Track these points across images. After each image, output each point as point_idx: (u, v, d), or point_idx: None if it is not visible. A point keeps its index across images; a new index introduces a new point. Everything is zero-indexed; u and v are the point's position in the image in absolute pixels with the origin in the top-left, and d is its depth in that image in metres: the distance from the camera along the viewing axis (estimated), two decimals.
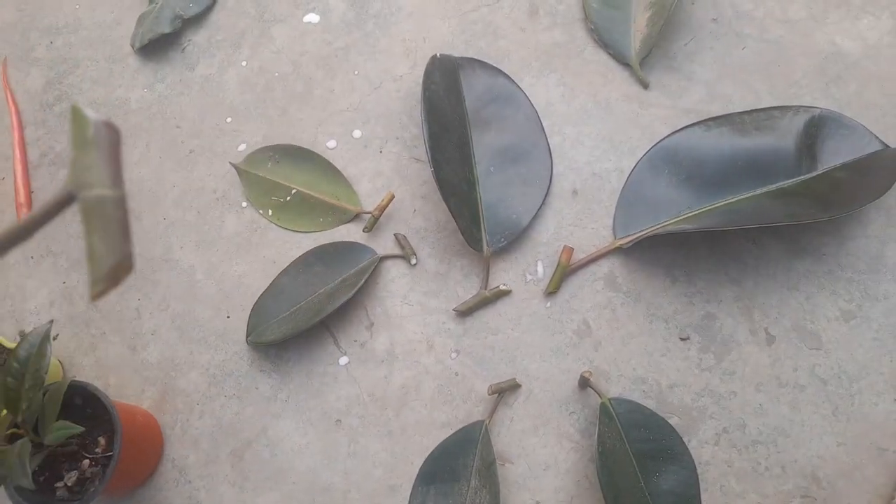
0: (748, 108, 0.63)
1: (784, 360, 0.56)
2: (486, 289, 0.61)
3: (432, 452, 0.56)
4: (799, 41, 0.65)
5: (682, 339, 0.58)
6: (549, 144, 0.64)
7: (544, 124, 0.65)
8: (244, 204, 0.69)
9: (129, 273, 0.13)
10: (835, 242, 0.59)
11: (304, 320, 0.60)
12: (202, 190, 0.70)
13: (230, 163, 0.69)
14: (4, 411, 0.52)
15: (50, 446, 0.53)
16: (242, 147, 0.71)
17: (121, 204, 0.15)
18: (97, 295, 0.14)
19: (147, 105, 0.75)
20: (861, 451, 0.53)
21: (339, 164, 0.68)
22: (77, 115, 0.15)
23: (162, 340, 0.65)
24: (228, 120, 0.73)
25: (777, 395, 0.55)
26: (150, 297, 0.66)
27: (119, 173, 0.15)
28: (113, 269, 0.13)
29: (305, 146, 0.69)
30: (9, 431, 0.53)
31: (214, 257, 0.67)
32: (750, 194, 0.60)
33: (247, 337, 0.62)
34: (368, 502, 0.57)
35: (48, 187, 0.72)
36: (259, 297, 0.63)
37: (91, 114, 0.15)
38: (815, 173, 0.59)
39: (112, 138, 0.15)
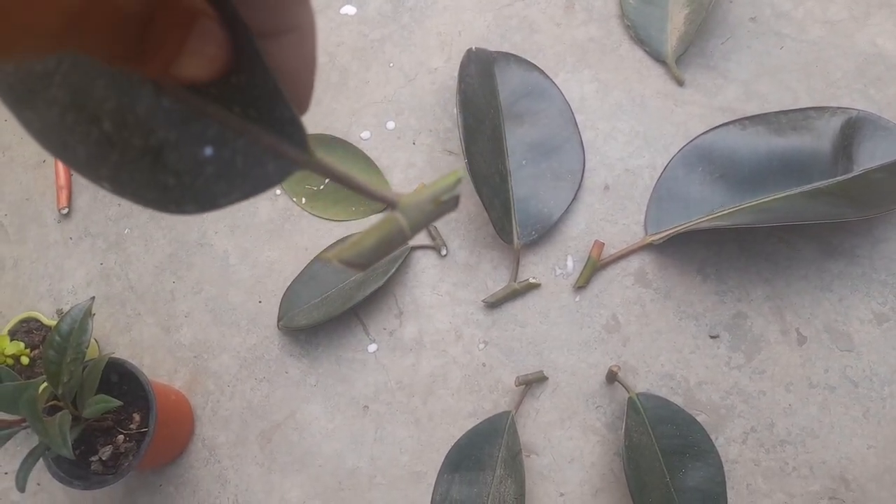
0: (785, 108, 0.63)
1: (815, 361, 0.55)
2: (515, 281, 0.61)
3: (458, 441, 0.57)
4: (839, 42, 0.65)
5: (712, 337, 0.58)
6: (581, 139, 0.64)
7: (578, 119, 0.65)
8: (278, 192, 0.70)
9: (360, 270, 0.16)
10: (868, 244, 0.58)
11: (334, 307, 0.61)
12: None
13: None
14: (45, 384, 0.53)
15: (87, 420, 0.55)
16: None
17: (404, 241, 0.18)
18: (335, 258, 0.17)
19: None
20: (892, 453, 0.52)
21: (372, 155, 0.69)
22: (452, 179, 0.19)
23: (195, 323, 0.66)
24: None
25: (807, 395, 0.55)
26: (185, 280, 0.68)
27: (422, 229, 0.19)
28: (349, 262, 0.17)
29: (339, 136, 0.70)
30: (49, 403, 0.54)
31: (248, 243, 0.68)
32: (784, 194, 0.59)
33: (278, 322, 0.63)
34: (393, 488, 0.58)
35: None
36: (291, 283, 0.64)
37: (456, 188, 0.19)
38: (851, 175, 0.59)
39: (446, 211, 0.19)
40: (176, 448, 0.62)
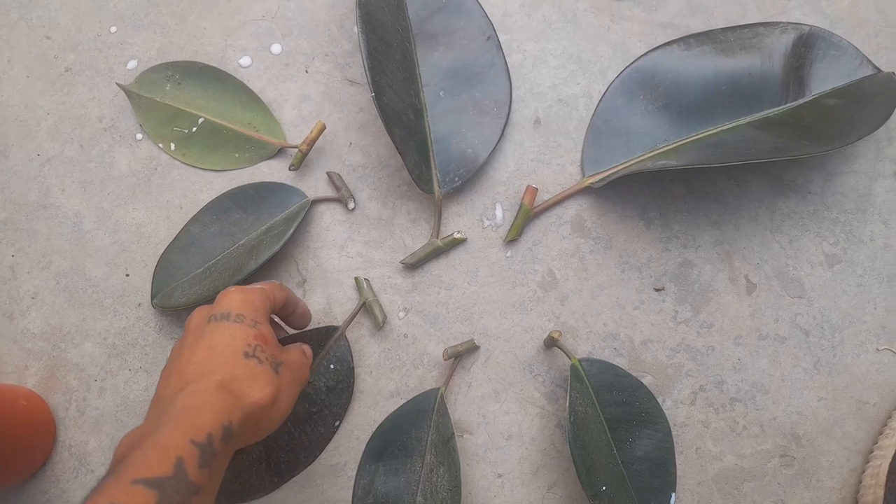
0: (732, 24, 0.55)
1: (765, 311, 0.51)
2: (437, 237, 0.53)
3: (380, 426, 0.49)
4: None
5: (657, 290, 0.52)
6: (507, 64, 0.54)
7: (501, 40, 0.55)
8: (139, 136, 0.56)
9: None
10: (820, 179, 0.53)
11: (221, 278, 0.51)
12: (84, 118, 0.57)
13: (117, 84, 0.56)
14: None
15: None
16: (133, 64, 0.58)
17: None
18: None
19: (5, 9, 0.59)
20: (841, 405, 0.50)
21: (255, 87, 0.56)
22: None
23: (46, 305, 0.53)
24: (113, 29, 0.59)
25: (757, 348, 0.51)
26: (27, 253, 0.54)
27: None
28: None
29: (213, 63, 0.57)
30: None
31: (105, 202, 0.55)
32: (733, 124, 0.53)
33: (152, 299, 0.52)
34: (308, 484, 0.50)
35: None
36: (164, 251, 0.53)
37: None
38: (803, 100, 0.53)
39: None
40: (34, 461, 0.50)
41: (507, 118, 0.54)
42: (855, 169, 0.53)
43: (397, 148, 0.49)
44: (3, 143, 0.57)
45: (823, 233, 0.52)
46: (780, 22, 0.54)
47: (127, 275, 0.54)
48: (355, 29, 0.55)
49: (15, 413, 0.48)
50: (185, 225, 0.53)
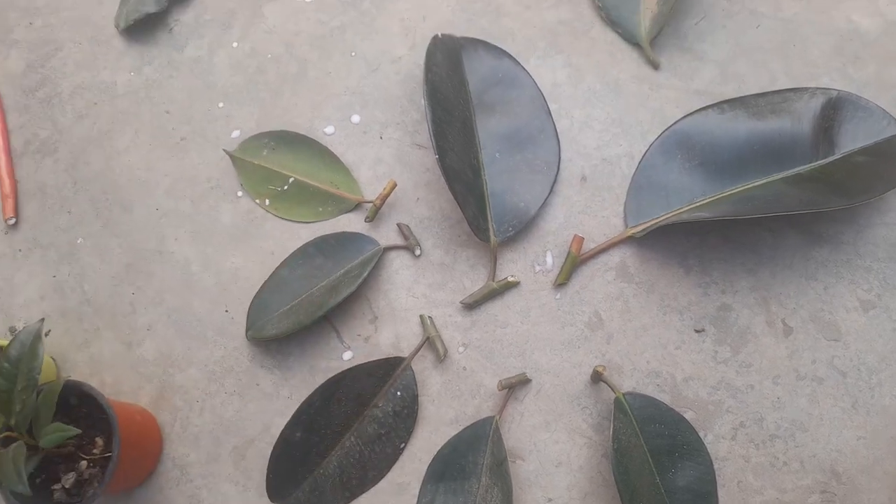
0: (763, 90, 0.61)
1: (802, 352, 0.54)
2: (493, 280, 0.59)
3: (441, 449, 0.55)
4: (815, 19, 0.63)
5: (697, 332, 0.56)
6: (556, 129, 0.62)
7: (551, 107, 0.63)
8: (239, 193, 0.66)
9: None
10: (852, 230, 0.57)
11: (305, 314, 0.58)
12: (195, 179, 0.67)
13: (224, 150, 0.66)
14: None
15: (46, 449, 0.52)
16: (236, 133, 0.68)
17: None
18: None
19: (134, 89, 0.72)
20: (881, 444, 0.52)
21: (337, 151, 0.65)
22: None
23: (158, 336, 0.63)
24: (220, 104, 0.70)
25: (795, 387, 0.54)
26: (145, 291, 0.64)
27: None
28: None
29: (302, 132, 0.66)
30: (2, 435, 0.51)
31: (210, 249, 0.65)
32: (766, 180, 0.58)
33: (246, 332, 0.60)
34: (376, 500, 0.55)
35: (32, 176, 0.69)
36: (258, 291, 0.61)
37: None
38: (832, 158, 0.57)
39: None
40: (144, 469, 0.58)
41: (556, 176, 0.61)
42: (886, 221, 0.57)
43: (458, 202, 0.57)
44: (129, 199, 0.67)
45: (857, 280, 0.56)
46: (809, 87, 0.59)
47: (226, 311, 0.62)
48: (423, 101, 0.63)
49: (131, 426, 0.57)
50: (276, 269, 0.62)
